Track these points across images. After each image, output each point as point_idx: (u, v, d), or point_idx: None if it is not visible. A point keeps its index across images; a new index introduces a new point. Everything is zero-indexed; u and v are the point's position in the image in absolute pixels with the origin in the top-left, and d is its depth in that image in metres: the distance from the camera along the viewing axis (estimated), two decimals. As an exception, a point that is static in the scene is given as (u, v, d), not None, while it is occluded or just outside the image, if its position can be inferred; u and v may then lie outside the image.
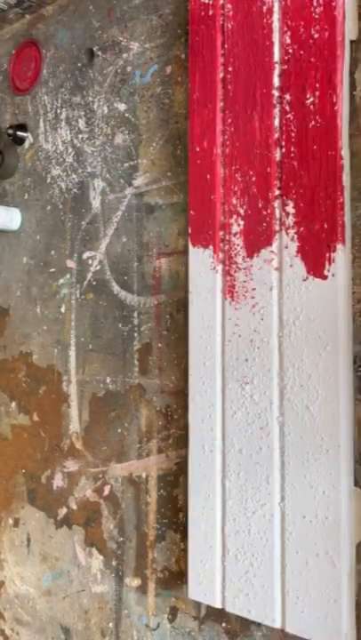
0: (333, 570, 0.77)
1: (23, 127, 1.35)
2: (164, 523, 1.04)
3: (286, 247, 0.83)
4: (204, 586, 0.90)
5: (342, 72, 0.79)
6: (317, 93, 0.81)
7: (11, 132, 1.35)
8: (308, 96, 0.82)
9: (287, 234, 0.83)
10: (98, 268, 1.18)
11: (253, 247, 0.87)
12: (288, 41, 0.83)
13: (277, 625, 0.82)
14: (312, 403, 0.80)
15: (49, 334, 1.27)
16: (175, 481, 1.03)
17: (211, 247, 0.92)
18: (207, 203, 0.92)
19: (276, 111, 0.85)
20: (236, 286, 0.89)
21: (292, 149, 0.83)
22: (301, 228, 0.82)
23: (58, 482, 1.23)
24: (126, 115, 1.15)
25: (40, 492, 1.27)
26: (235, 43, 0.90)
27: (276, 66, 0.85)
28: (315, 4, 0.81)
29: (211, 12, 0.93)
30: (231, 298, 0.89)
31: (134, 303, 1.11)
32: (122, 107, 1.16)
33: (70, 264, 1.23)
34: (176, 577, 1.02)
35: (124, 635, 1.09)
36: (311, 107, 0.81)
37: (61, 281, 1.25)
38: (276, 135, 0.85)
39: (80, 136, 1.24)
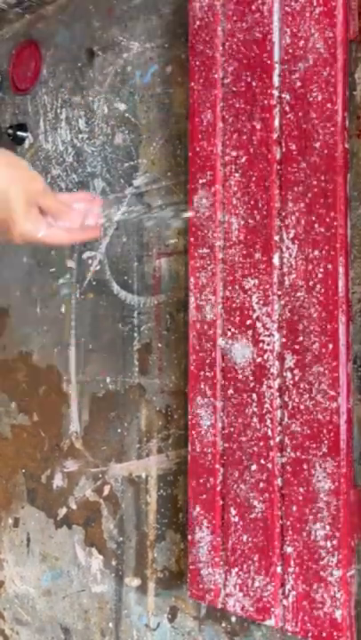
0: (333, 569, 0.77)
1: (23, 127, 1.35)
2: (164, 523, 1.04)
3: (287, 247, 0.83)
4: (204, 586, 0.90)
5: (342, 72, 0.79)
6: (317, 93, 0.81)
7: (11, 131, 1.35)
8: (308, 96, 0.82)
9: (288, 234, 0.83)
10: (98, 267, 1.18)
11: (254, 247, 0.87)
12: (288, 41, 0.83)
13: (277, 625, 0.82)
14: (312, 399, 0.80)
15: (49, 334, 1.27)
16: (175, 481, 1.03)
17: (211, 247, 0.92)
18: (207, 202, 0.92)
19: (276, 111, 0.85)
20: (236, 285, 0.89)
21: (293, 149, 0.83)
22: (302, 229, 0.82)
23: (58, 482, 1.23)
24: (126, 115, 1.15)
25: (40, 491, 1.27)
26: (235, 43, 0.90)
27: (277, 66, 0.85)
28: (315, 3, 0.81)
29: (211, 12, 0.93)
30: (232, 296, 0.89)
31: (134, 303, 1.11)
32: (122, 107, 1.16)
33: (70, 264, 1.23)
34: (176, 577, 1.02)
35: (124, 634, 1.09)
36: (311, 106, 0.81)
37: (61, 281, 1.25)
38: (276, 135, 0.85)
39: (80, 136, 1.24)
